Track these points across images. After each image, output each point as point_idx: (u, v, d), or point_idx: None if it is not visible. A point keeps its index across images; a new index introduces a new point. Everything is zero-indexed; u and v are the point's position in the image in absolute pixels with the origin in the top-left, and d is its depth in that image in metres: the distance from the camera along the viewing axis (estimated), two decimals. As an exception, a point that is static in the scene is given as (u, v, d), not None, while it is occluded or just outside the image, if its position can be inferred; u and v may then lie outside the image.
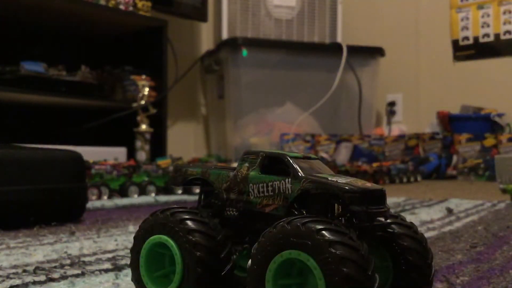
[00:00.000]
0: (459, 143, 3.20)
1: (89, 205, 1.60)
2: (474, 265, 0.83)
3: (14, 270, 0.80)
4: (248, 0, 3.33)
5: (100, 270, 0.79)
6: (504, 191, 1.84)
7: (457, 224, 1.28)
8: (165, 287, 0.58)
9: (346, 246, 0.47)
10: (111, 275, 0.76)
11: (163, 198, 1.97)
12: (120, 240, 1.07)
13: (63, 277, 0.75)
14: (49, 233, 1.16)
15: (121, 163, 2.15)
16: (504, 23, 3.45)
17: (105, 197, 1.90)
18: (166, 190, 2.13)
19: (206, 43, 3.56)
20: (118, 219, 1.40)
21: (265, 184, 0.58)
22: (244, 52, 3.18)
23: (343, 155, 3.25)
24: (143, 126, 2.74)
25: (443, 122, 3.39)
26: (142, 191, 2.03)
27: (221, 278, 0.57)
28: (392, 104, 3.76)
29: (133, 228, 1.22)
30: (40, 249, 0.97)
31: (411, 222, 0.59)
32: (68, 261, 0.86)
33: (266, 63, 3.31)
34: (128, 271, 0.71)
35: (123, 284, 0.71)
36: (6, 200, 1.21)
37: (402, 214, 1.12)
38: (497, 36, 3.50)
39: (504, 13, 3.45)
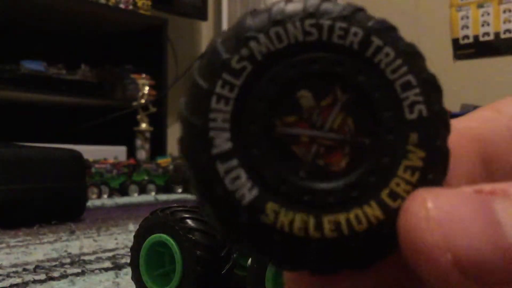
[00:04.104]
0: (459, 142, 3.20)
1: (89, 204, 1.59)
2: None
3: (14, 269, 0.80)
4: (248, -2, 3.33)
5: (100, 269, 0.79)
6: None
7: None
8: (165, 286, 0.58)
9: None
10: (111, 273, 0.76)
11: (163, 196, 1.97)
12: (120, 238, 1.07)
13: (63, 276, 0.75)
14: (49, 232, 1.16)
15: (121, 162, 2.15)
16: (504, 22, 3.45)
17: (105, 196, 1.90)
18: (166, 188, 2.13)
19: (206, 42, 3.56)
20: (118, 218, 1.40)
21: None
22: (244, 51, 3.18)
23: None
24: (143, 125, 2.73)
25: (443, 121, 3.39)
26: (142, 190, 2.03)
27: (221, 277, 0.57)
28: (392, 103, 3.75)
29: (133, 227, 1.22)
30: (40, 248, 0.97)
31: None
32: (68, 260, 0.86)
33: (266, 62, 3.30)
34: (128, 270, 0.71)
35: (123, 283, 0.71)
36: (5, 199, 1.21)
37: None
38: (497, 34, 3.50)
39: (504, 11, 3.45)
